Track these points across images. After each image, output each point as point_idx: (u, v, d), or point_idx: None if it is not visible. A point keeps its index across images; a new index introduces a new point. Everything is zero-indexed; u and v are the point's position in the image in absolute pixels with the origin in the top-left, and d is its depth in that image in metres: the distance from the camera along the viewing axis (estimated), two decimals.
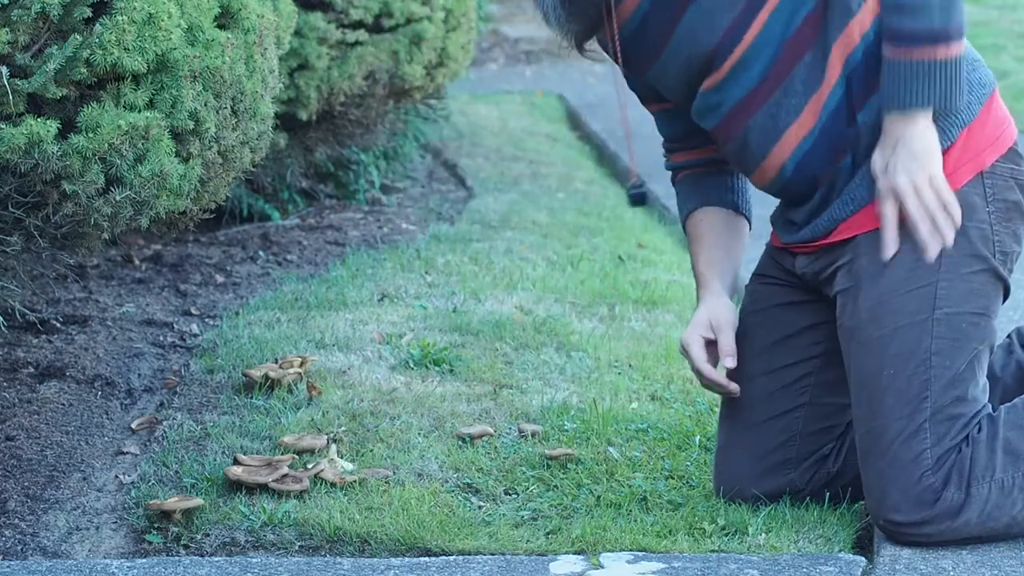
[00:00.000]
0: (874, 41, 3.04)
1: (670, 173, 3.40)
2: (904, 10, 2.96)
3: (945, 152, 3.04)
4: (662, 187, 6.85)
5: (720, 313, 3.22)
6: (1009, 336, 3.40)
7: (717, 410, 3.76)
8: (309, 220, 5.75)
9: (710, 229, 3.29)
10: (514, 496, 3.32)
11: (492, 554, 3.05)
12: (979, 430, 3.01)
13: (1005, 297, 3.12)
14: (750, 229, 3.34)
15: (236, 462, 3.36)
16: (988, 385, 3.09)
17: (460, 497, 3.30)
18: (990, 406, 3.06)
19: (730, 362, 3.18)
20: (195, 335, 4.34)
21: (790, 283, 3.25)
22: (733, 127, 3.12)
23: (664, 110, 3.30)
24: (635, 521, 3.18)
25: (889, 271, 3.04)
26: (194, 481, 3.33)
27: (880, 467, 3.02)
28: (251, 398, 3.78)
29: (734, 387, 3.19)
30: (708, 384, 3.21)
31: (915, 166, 2.99)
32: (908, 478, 2.99)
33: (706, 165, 3.32)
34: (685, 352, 3.21)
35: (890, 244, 3.02)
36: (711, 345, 3.21)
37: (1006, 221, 3.08)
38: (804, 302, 3.23)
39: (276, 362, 3.93)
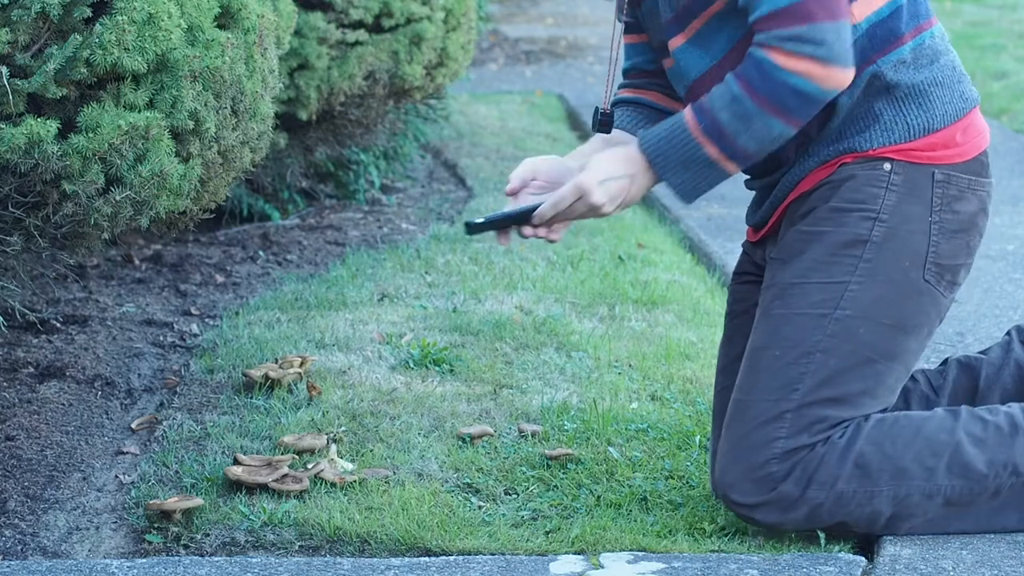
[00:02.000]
0: (865, 32, 3.04)
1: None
2: (727, 104, 2.98)
3: (900, 144, 3.05)
4: (660, 186, 6.86)
5: (552, 172, 3.17)
6: (1008, 333, 3.39)
7: None
8: (309, 220, 5.75)
9: (614, 139, 3.24)
10: (514, 496, 3.32)
11: (492, 554, 3.05)
12: (841, 435, 3.03)
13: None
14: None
15: (236, 462, 3.36)
16: (891, 398, 3.10)
17: (460, 497, 3.30)
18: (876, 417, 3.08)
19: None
20: (195, 335, 4.34)
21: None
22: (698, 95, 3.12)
23: (638, 42, 3.29)
24: (635, 521, 3.18)
25: (813, 251, 3.05)
26: (194, 481, 3.33)
27: (733, 440, 3.06)
28: (251, 398, 3.78)
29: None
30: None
31: (606, 200, 3.03)
32: (753, 460, 3.03)
33: (635, 106, 3.31)
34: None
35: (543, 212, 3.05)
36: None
37: (953, 233, 3.07)
38: None
39: (276, 362, 3.93)
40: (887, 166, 3.05)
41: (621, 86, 3.34)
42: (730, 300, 3.35)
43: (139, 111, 3.21)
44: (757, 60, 2.97)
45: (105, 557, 3.07)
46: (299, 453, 3.45)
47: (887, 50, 3.05)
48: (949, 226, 3.07)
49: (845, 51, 2.95)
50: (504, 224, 3.08)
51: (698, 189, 3.08)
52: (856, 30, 3.03)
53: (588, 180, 3.05)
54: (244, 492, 3.27)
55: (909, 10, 3.09)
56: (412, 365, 4.02)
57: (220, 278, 4.94)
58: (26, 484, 3.33)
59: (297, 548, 3.11)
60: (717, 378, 3.31)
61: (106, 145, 3.14)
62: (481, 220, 3.06)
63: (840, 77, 2.95)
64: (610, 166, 3.07)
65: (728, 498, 3.07)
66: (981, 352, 3.37)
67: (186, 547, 3.11)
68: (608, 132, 3.21)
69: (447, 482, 3.37)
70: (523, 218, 3.07)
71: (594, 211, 3.07)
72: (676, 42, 3.13)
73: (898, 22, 3.06)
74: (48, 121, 3.08)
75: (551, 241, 3.11)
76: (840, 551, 3.05)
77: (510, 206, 3.11)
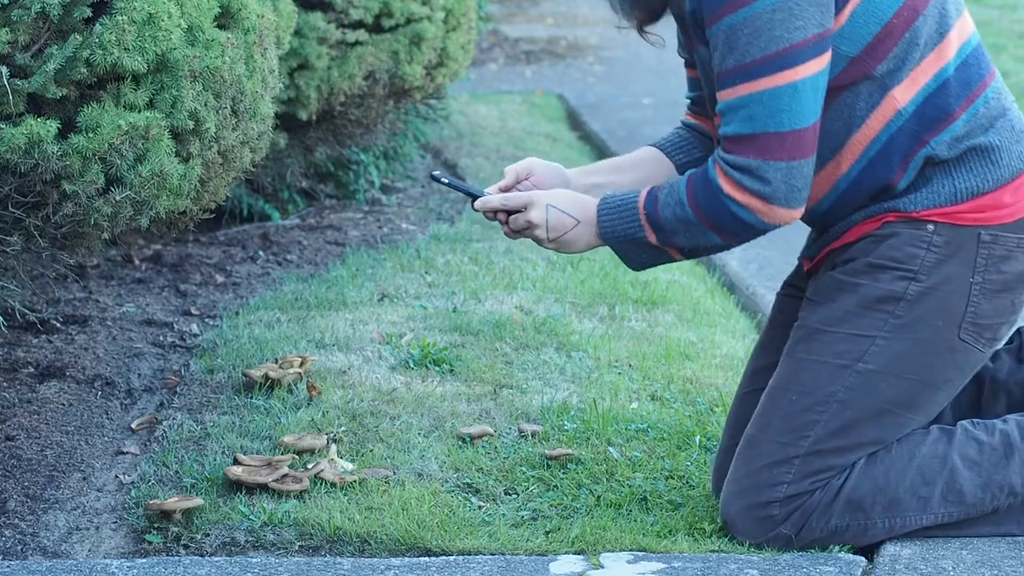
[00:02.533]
0: (913, 115, 3.00)
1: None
2: (672, 205, 3.00)
3: (946, 207, 3.02)
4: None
5: (546, 174, 3.23)
6: (1011, 340, 3.36)
7: (717, 410, 3.77)
8: (309, 220, 5.75)
9: (638, 157, 3.30)
10: (514, 496, 3.32)
11: (492, 554, 3.05)
12: (838, 478, 3.05)
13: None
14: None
15: (236, 462, 3.36)
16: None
17: (460, 497, 3.30)
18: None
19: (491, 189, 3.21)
20: (195, 335, 4.34)
21: None
22: None
23: (695, 76, 3.28)
24: (635, 521, 3.18)
25: (844, 301, 3.04)
26: (194, 481, 3.33)
27: (741, 473, 3.07)
28: (251, 398, 3.78)
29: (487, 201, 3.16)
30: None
31: (542, 222, 3.07)
32: (758, 499, 3.05)
33: (693, 131, 3.31)
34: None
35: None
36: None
37: (996, 292, 3.04)
38: None
39: (276, 362, 3.93)
40: (930, 227, 3.01)
41: (688, 110, 3.33)
42: (774, 308, 3.34)
43: (139, 111, 3.21)
44: (706, 178, 2.98)
45: (105, 557, 3.07)
46: (299, 453, 3.45)
47: (939, 129, 3.01)
48: (992, 286, 3.03)
49: (792, 192, 2.93)
50: (459, 191, 3.21)
51: (643, 263, 3.12)
52: (902, 115, 2.99)
53: (539, 197, 3.10)
54: (244, 492, 3.27)
55: (958, 79, 3.02)
56: (412, 365, 4.02)
57: (220, 278, 4.94)
58: (26, 484, 3.33)
59: (297, 548, 3.10)
60: (743, 381, 3.32)
61: (106, 145, 3.13)
62: (445, 180, 3.18)
63: (782, 215, 2.96)
64: (566, 200, 3.10)
65: (729, 529, 3.10)
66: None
67: (186, 547, 3.11)
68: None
69: (447, 482, 3.36)
70: (474, 197, 3.16)
71: (531, 228, 3.10)
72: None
73: (947, 97, 3.01)
74: (48, 121, 3.08)
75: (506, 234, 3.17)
76: (840, 551, 3.05)
77: (490, 188, 3.21)
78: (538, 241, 3.11)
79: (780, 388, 3.07)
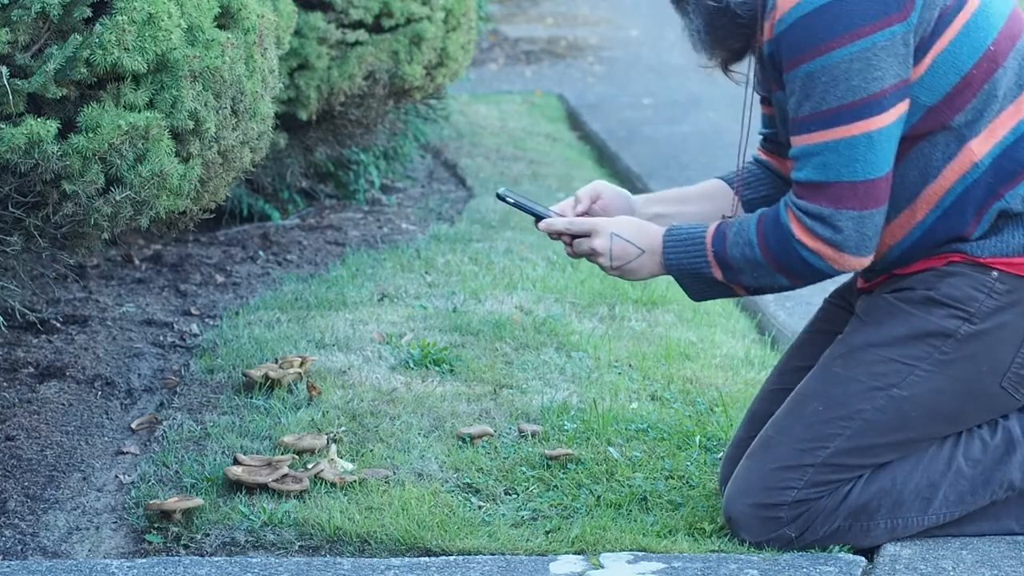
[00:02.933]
0: (989, 167, 2.99)
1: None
2: (741, 245, 3.02)
3: (1012, 257, 3.01)
4: (661, 185, 6.85)
5: (613, 199, 3.26)
6: None
7: (717, 410, 3.77)
8: (309, 220, 5.75)
9: (705, 189, 3.31)
10: (514, 496, 3.32)
11: (492, 554, 3.05)
12: (846, 484, 3.05)
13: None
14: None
15: (236, 462, 3.36)
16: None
17: (460, 497, 3.30)
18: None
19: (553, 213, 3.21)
20: (195, 335, 4.34)
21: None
22: None
23: (770, 113, 3.26)
24: (635, 521, 3.18)
25: (893, 327, 3.04)
26: (194, 481, 3.33)
27: (751, 471, 3.07)
28: (251, 398, 3.78)
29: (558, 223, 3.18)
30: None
31: (606, 250, 3.09)
32: (765, 500, 3.05)
33: (763, 167, 3.31)
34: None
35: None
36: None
37: None
38: None
39: (276, 362, 3.93)
40: (995, 274, 3.01)
41: (760, 146, 3.33)
42: (818, 314, 3.34)
43: (139, 111, 3.20)
44: (777, 221, 2.99)
45: (105, 557, 3.07)
46: (299, 453, 3.45)
47: (1015, 182, 3.00)
48: None
49: (863, 240, 2.94)
50: (525, 211, 3.21)
51: (704, 295, 3.13)
52: (978, 168, 2.99)
53: (604, 225, 3.11)
54: (244, 492, 3.27)
55: None
56: (412, 365, 4.02)
57: (220, 278, 4.94)
58: (26, 484, 3.33)
59: (297, 548, 3.10)
60: (771, 377, 3.32)
61: (106, 145, 3.13)
62: (511, 199, 3.19)
63: (852, 262, 2.97)
64: (631, 229, 3.12)
65: (731, 525, 3.10)
66: None
67: (186, 547, 3.11)
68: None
69: (447, 482, 3.36)
70: (539, 218, 3.18)
71: (594, 255, 3.12)
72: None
73: (1022, 150, 3.00)
74: (48, 121, 3.08)
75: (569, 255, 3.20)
76: (840, 551, 3.05)
77: (555, 207, 3.24)
78: (601, 267, 3.13)
79: (808, 396, 3.07)
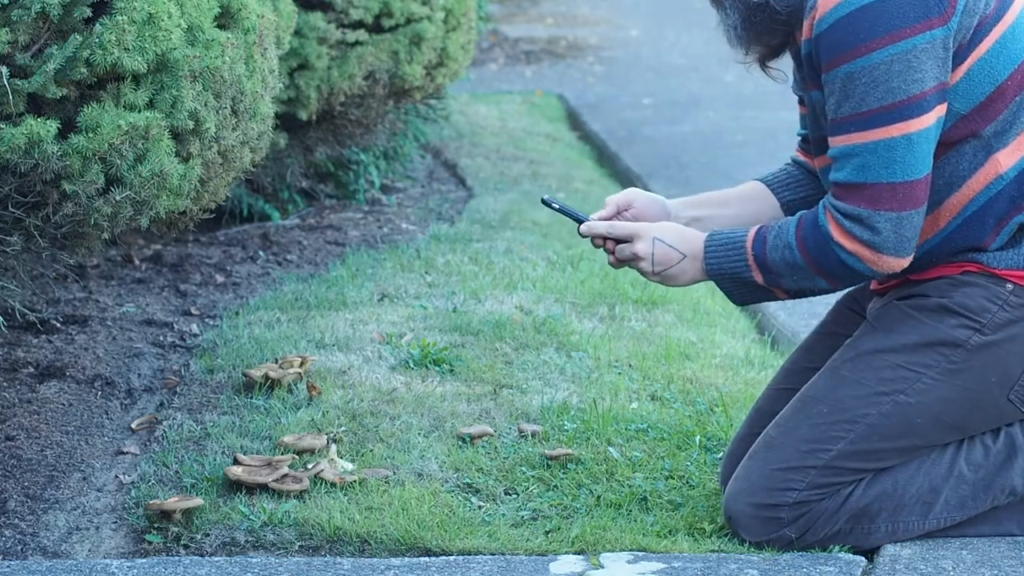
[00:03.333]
0: (1014, 180, 2.99)
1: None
2: (781, 248, 3.01)
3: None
4: (661, 186, 6.86)
5: (648, 206, 3.25)
6: None
7: (717, 410, 3.77)
8: (309, 220, 5.75)
9: (743, 192, 3.31)
10: (514, 496, 3.32)
11: (492, 554, 3.05)
12: (847, 486, 3.05)
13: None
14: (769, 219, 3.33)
15: (236, 462, 3.36)
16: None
17: (460, 497, 3.30)
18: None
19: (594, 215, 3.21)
20: (195, 335, 4.34)
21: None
22: None
23: (806, 113, 3.24)
24: (635, 521, 3.18)
25: (904, 334, 3.04)
26: (194, 481, 3.33)
27: (752, 470, 3.07)
28: (251, 398, 3.78)
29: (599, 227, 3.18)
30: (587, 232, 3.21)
31: (648, 255, 3.09)
32: (765, 500, 3.05)
33: (802, 168, 3.31)
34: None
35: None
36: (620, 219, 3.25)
37: None
38: None
39: (276, 362, 3.93)
40: (1009, 286, 3.01)
41: (799, 147, 3.32)
42: (828, 316, 3.34)
43: (139, 111, 3.20)
44: (815, 223, 2.99)
45: (105, 557, 3.07)
46: (299, 453, 3.45)
47: None
48: None
49: (901, 242, 2.94)
50: (567, 215, 3.22)
51: (746, 300, 3.13)
52: (1003, 179, 2.99)
53: (646, 229, 3.11)
54: (244, 492, 3.27)
55: None
56: (412, 365, 4.02)
57: (220, 278, 4.94)
58: (26, 484, 3.33)
59: (297, 548, 3.10)
60: (777, 376, 3.32)
61: (106, 145, 3.13)
62: (556, 205, 3.21)
63: (891, 263, 2.96)
64: (673, 234, 3.11)
65: (731, 525, 3.10)
66: None
67: (186, 547, 3.11)
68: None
69: (447, 482, 3.36)
70: (580, 221, 3.19)
71: (636, 260, 3.11)
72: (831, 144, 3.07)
73: None
74: (48, 121, 3.08)
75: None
76: (840, 551, 3.05)
77: (598, 214, 3.23)
78: (643, 273, 3.13)
79: (814, 398, 3.07)
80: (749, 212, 3.26)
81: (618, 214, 3.23)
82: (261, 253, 5.26)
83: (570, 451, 3.48)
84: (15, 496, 3.28)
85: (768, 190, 3.29)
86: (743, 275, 3.07)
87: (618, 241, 3.14)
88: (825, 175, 3.11)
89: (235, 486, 3.28)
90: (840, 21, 2.90)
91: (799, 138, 3.32)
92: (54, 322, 4.34)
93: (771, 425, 3.11)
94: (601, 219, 3.21)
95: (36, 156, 3.08)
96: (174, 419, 3.67)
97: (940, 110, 2.93)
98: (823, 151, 3.09)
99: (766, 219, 3.23)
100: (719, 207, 3.28)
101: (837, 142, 2.96)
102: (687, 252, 3.10)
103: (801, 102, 3.22)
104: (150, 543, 3.12)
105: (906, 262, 2.97)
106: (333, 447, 3.46)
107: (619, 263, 3.15)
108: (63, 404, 3.77)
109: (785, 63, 3.18)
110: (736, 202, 3.29)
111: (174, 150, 3.29)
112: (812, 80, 3.04)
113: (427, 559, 3.00)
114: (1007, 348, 3.00)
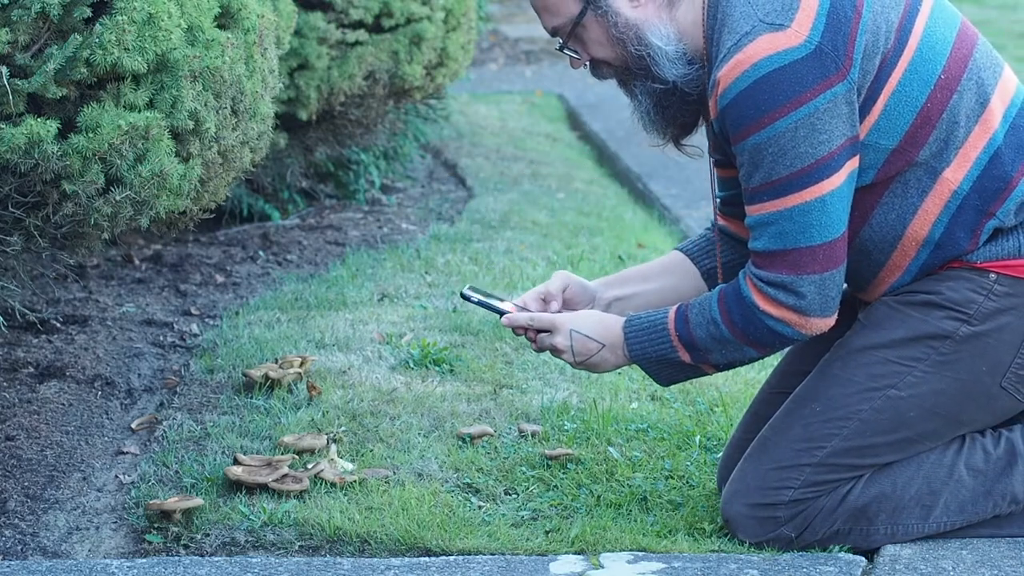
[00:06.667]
0: (971, 190, 2.99)
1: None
2: (705, 324, 3.01)
3: (1008, 259, 3.01)
4: (660, 186, 6.86)
5: (578, 292, 3.24)
6: None
7: (717, 410, 3.77)
8: (309, 220, 5.75)
9: (664, 264, 3.31)
10: (514, 496, 3.32)
11: (492, 554, 3.05)
12: (845, 484, 3.05)
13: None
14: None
15: (236, 462, 3.36)
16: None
17: (460, 497, 3.30)
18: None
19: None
20: (195, 335, 4.34)
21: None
22: None
23: (728, 177, 3.22)
24: (635, 521, 3.18)
25: (892, 329, 3.04)
26: (194, 481, 3.33)
27: (748, 472, 3.07)
28: (251, 398, 3.78)
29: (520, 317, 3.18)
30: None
31: (567, 347, 3.10)
32: (762, 500, 3.05)
33: (722, 234, 3.29)
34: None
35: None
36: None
37: None
38: None
39: (276, 362, 3.93)
40: (992, 276, 3.01)
41: (721, 213, 3.29)
42: None
43: (139, 111, 3.21)
44: (739, 295, 3.00)
45: (105, 557, 3.07)
46: (299, 453, 3.45)
47: (1002, 198, 3.00)
48: None
49: (826, 302, 2.96)
50: (488, 309, 3.20)
51: (672, 379, 3.13)
52: (959, 194, 2.99)
53: (563, 321, 3.12)
54: (244, 492, 3.27)
55: (1010, 144, 3.01)
56: (412, 365, 4.02)
57: (220, 278, 4.94)
58: (26, 484, 3.33)
59: (297, 548, 3.10)
60: (771, 379, 3.32)
61: (106, 145, 3.13)
62: (476, 299, 3.18)
63: (818, 324, 2.98)
64: (591, 324, 3.12)
65: (729, 527, 3.10)
66: None
67: (186, 547, 3.11)
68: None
69: (447, 482, 3.36)
70: (501, 314, 3.18)
71: (556, 353, 3.13)
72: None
73: (1001, 165, 3.00)
74: (48, 121, 3.08)
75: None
76: (840, 551, 3.05)
77: (509, 301, 3.21)
78: (568, 363, 3.14)
79: (806, 398, 3.08)
80: (671, 284, 3.26)
81: (550, 301, 3.22)
82: (261, 253, 5.26)
83: (570, 451, 3.48)
84: (15, 496, 3.28)
85: (688, 260, 3.28)
86: (669, 356, 3.07)
87: (539, 331, 3.14)
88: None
89: (235, 486, 3.28)
90: (741, 95, 2.89)
91: (720, 203, 3.28)
92: (54, 322, 4.34)
93: (765, 428, 3.11)
94: (522, 304, 3.20)
95: (36, 156, 3.08)
96: (174, 419, 3.67)
97: (852, 164, 2.93)
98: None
99: (688, 291, 3.23)
100: (641, 283, 3.28)
101: (752, 211, 2.96)
102: (606, 341, 3.10)
103: (720, 165, 3.20)
104: (150, 543, 3.12)
105: (832, 320, 2.99)
106: (333, 447, 3.46)
107: (541, 351, 3.17)
108: (63, 404, 3.77)
109: (699, 138, 3.17)
110: (657, 276, 3.28)
111: (174, 150, 3.29)
112: (727, 153, 3.05)
113: (427, 559, 3.00)
114: (996, 337, 3.01)
